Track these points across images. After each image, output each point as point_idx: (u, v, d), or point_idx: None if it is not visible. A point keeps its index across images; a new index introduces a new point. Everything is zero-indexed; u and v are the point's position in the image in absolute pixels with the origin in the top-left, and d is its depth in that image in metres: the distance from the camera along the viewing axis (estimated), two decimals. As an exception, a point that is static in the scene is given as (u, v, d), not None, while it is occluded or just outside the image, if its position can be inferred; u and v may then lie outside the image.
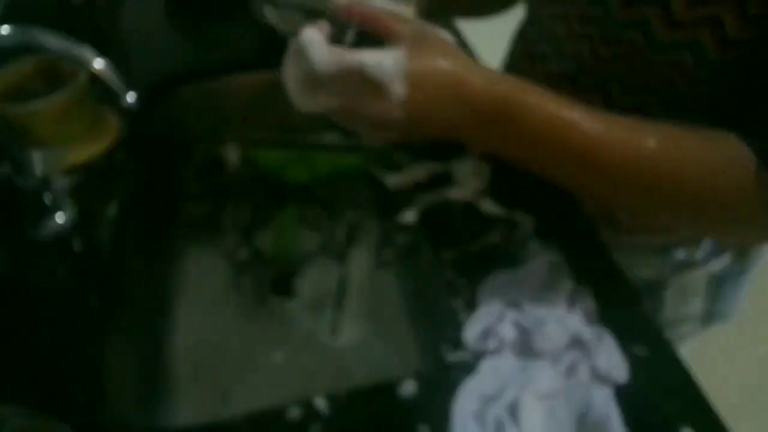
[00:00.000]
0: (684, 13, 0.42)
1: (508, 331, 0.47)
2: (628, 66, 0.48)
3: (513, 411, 0.43)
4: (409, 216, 0.58)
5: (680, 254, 0.60)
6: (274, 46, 0.72)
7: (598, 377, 0.44)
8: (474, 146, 0.48)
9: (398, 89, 0.40)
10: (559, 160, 0.43)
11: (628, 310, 0.50)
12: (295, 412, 0.45)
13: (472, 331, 0.48)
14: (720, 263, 0.62)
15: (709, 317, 0.68)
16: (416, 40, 0.41)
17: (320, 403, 0.45)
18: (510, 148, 0.44)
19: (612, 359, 0.45)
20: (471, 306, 0.51)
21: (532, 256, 0.54)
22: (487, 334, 0.48)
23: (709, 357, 1.41)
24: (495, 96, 0.40)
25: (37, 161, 0.59)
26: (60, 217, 0.61)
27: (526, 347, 0.47)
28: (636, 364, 0.45)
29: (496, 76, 0.41)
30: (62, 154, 0.63)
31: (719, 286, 0.64)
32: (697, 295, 0.65)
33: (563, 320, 0.47)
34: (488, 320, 0.48)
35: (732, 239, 0.53)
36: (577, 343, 0.46)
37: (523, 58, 0.62)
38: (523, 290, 0.51)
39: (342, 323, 0.67)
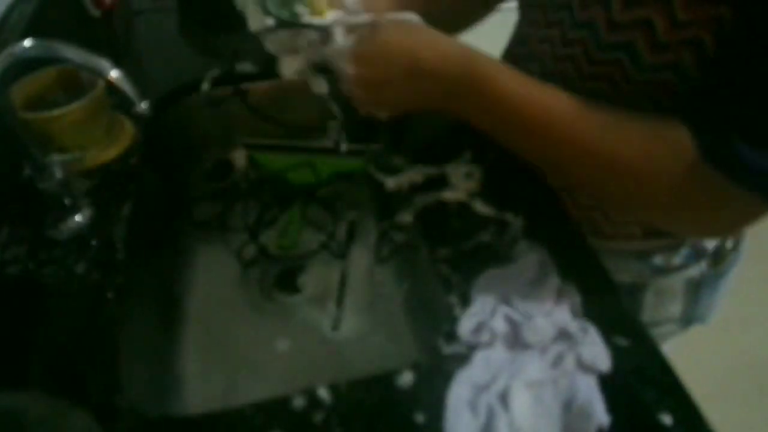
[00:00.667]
0: (668, 35, 0.42)
1: (499, 325, 0.49)
2: (613, 84, 0.48)
3: (503, 399, 0.44)
4: (406, 216, 0.59)
5: (658, 260, 0.62)
6: (276, 58, 0.74)
7: (583, 366, 0.45)
8: (443, 113, 0.49)
9: (348, 69, 0.44)
10: (512, 129, 0.46)
11: (610, 305, 0.51)
12: (299, 401, 0.46)
13: (466, 325, 0.49)
14: (697, 269, 0.63)
15: (687, 319, 0.69)
16: (374, 25, 0.44)
17: (323, 393, 0.47)
18: (471, 117, 0.46)
19: (596, 350, 0.46)
20: (465, 301, 0.52)
21: (521, 254, 0.55)
22: (480, 328, 0.49)
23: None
24: (448, 71, 0.43)
25: (57, 164, 0.61)
26: (78, 217, 0.63)
27: (516, 340, 0.48)
28: (618, 354, 0.47)
29: (450, 50, 0.44)
30: (80, 158, 0.65)
31: (697, 291, 0.65)
32: (675, 298, 0.66)
33: (551, 314, 0.49)
34: (481, 315, 0.50)
35: (673, 227, 0.52)
36: (563, 335, 0.48)
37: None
38: (513, 286, 0.52)
39: (343, 317, 0.68)
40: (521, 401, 0.44)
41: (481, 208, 0.58)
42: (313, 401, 0.46)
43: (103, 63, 0.52)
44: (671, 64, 0.44)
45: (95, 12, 0.95)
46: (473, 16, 0.68)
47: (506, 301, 0.51)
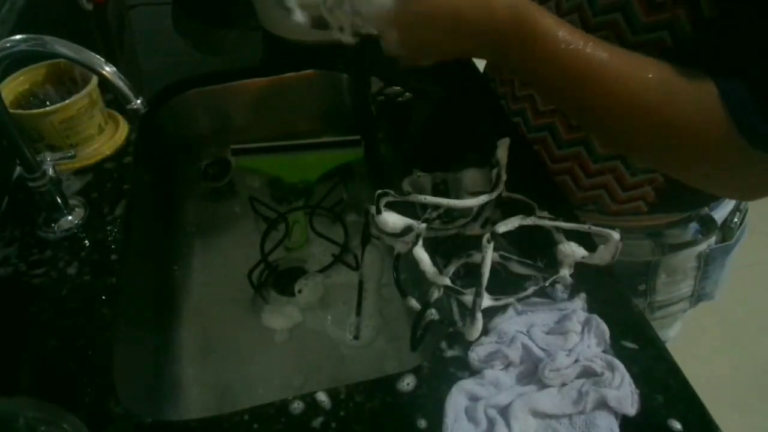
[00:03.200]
0: None
1: (515, 354, 0.46)
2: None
3: (504, 413, 0.43)
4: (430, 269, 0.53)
5: (670, 236, 0.63)
6: (275, 54, 0.73)
7: (606, 407, 0.43)
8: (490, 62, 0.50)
9: (390, 34, 0.44)
10: (560, 84, 0.44)
11: (618, 308, 0.51)
12: (298, 406, 0.46)
13: (479, 351, 0.47)
14: (705, 244, 0.64)
15: (697, 297, 0.71)
16: None
17: (322, 397, 0.46)
18: (518, 72, 0.46)
19: (623, 393, 0.43)
20: (464, 305, 0.51)
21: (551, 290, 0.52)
22: (493, 357, 0.47)
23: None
24: (495, 29, 0.42)
25: (49, 163, 0.60)
26: (70, 217, 0.62)
27: (533, 376, 0.46)
28: (626, 358, 0.46)
29: (497, 4, 0.42)
30: (73, 156, 0.64)
31: (706, 266, 0.66)
32: (686, 275, 0.67)
33: (575, 350, 0.46)
34: (497, 345, 0.47)
35: (703, 184, 0.51)
36: (588, 372, 0.45)
37: None
38: (537, 318, 0.49)
39: (344, 319, 0.67)
40: (524, 425, 0.43)
41: (518, 269, 0.53)
42: (312, 406, 0.46)
43: (96, 58, 0.51)
44: (666, 23, 0.44)
45: (87, 6, 0.94)
46: None
47: (528, 333, 0.48)
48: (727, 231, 0.64)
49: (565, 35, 0.42)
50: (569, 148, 0.61)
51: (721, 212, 0.64)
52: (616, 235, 0.49)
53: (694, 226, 0.62)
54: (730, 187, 0.50)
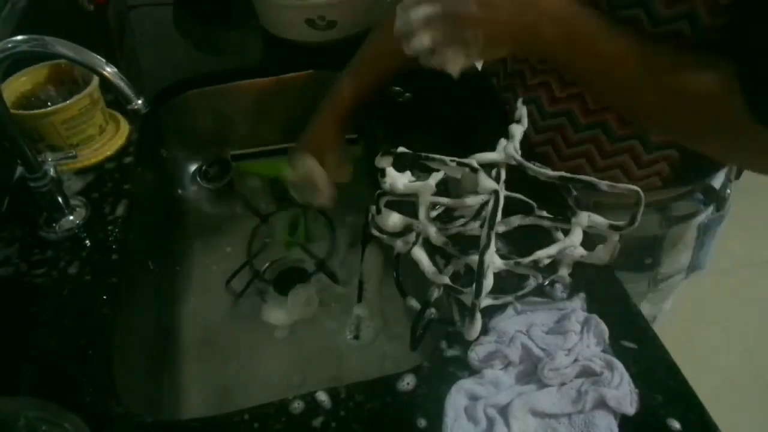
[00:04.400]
0: None
1: (515, 354, 0.47)
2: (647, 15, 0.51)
3: (504, 413, 0.43)
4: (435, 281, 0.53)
5: (677, 209, 0.66)
6: (275, 54, 0.73)
7: (605, 407, 0.43)
8: (542, 53, 0.53)
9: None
10: (609, 72, 0.49)
11: (618, 308, 0.51)
12: (298, 406, 0.46)
13: (478, 351, 0.47)
14: (704, 215, 0.68)
15: (691, 268, 0.74)
16: None
17: (322, 396, 0.46)
18: (576, 60, 0.51)
19: (621, 392, 0.43)
20: (464, 305, 0.50)
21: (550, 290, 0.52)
22: (493, 356, 0.47)
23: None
24: (568, 13, 0.48)
25: (50, 163, 0.60)
26: (71, 217, 0.62)
27: (533, 375, 0.46)
28: (625, 358, 0.46)
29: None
30: (74, 157, 0.64)
31: (704, 236, 0.70)
32: (687, 246, 0.70)
33: (574, 350, 0.46)
34: (496, 344, 0.48)
35: (715, 149, 0.55)
36: (587, 372, 0.45)
37: None
38: (537, 318, 0.49)
39: (344, 320, 0.67)
40: (523, 424, 0.43)
41: (525, 270, 0.52)
42: (312, 405, 0.46)
43: (96, 59, 0.51)
44: (685, 13, 0.48)
45: (88, 6, 0.94)
46: None
47: (528, 333, 0.48)
48: (720, 202, 0.68)
49: (612, 26, 0.48)
50: (586, 131, 0.62)
51: (716, 183, 0.67)
52: (615, 235, 0.49)
53: (698, 196, 0.66)
54: (741, 158, 0.54)
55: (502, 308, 0.50)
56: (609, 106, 0.59)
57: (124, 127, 0.75)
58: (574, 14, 0.48)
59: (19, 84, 0.70)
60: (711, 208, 0.68)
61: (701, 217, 0.68)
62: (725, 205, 0.69)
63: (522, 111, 0.54)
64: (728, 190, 0.69)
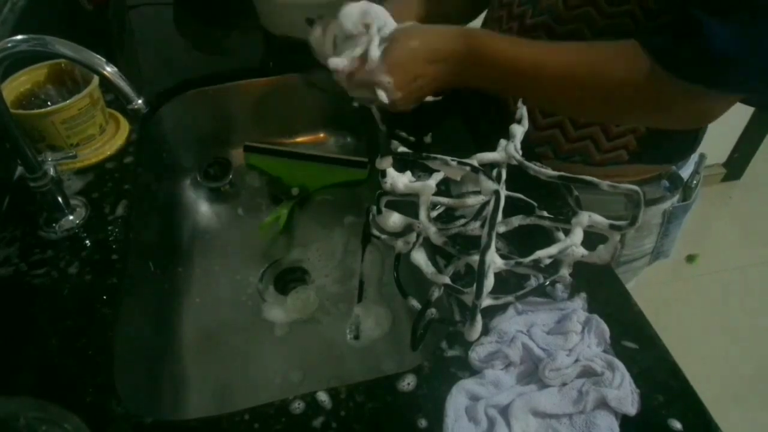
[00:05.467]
0: None
1: (516, 354, 0.47)
2: (597, 10, 0.58)
3: (504, 413, 0.43)
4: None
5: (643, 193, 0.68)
6: (275, 54, 0.73)
7: (606, 407, 0.43)
8: (457, 85, 0.60)
9: (386, 78, 0.55)
10: (513, 80, 0.56)
11: (620, 308, 0.51)
12: (298, 406, 0.46)
13: (479, 351, 0.47)
14: (670, 202, 0.72)
15: (656, 254, 0.78)
16: (392, 37, 0.56)
17: (322, 397, 0.46)
18: (478, 82, 0.58)
19: (623, 392, 0.43)
20: (464, 304, 0.51)
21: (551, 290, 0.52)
22: (493, 357, 0.47)
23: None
24: (456, 50, 0.56)
25: (50, 163, 0.60)
26: (71, 217, 0.62)
27: (534, 376, 0.46)
28: (627, 358, 0.46)
29: (452, 33, 0.56)
30: (74, 156, 0.64)
31: (668, 224, 0.74)
32: (650, 232, 0.74)
33: (575, 350, 0.46)
34: (497, 344, 0.48)
35: (632, 119, 0.61)
36: (588, 372, 0.45)
37: (501, 16, 0.70)
38: (538, 318, 0.49)
39: (345, 321, 0.67)
40: (524, 425, 0.43)
41: (526, 270, 0.52)
42: (313, 405, 0.46)
43: (97, 58, 0.51)
44: (626, 11, 0.56)
45: (88, 6, 0.94)
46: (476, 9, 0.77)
47: (529, 333, 0.48)
48: (687, 191, 0.72)
49: (502, 42, 0.56)
50: None
51: (684, 173, 0.72)
52: (616, 235, 0.49)
53: (664, 183, 0.71)
54: (670, 121, 0.58)
55: (502, 308, 0.50)
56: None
57: (124, 127, 0.75)
58: (471, 50, 0.55)
59: (19, 83, 0.70)
60: (677, 196, 0.72)
61: (666, 204, 0.71)
62: (692, 194, 0.72)
63: (522, 111, 0.54)
64: (695, 181, 0.72)
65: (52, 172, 0.60)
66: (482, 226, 0.52)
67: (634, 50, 0.51)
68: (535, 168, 0.50)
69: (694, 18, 0.48)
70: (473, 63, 0.56)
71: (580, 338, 0.47)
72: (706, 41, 0.47)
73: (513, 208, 0.53)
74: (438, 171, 0.52)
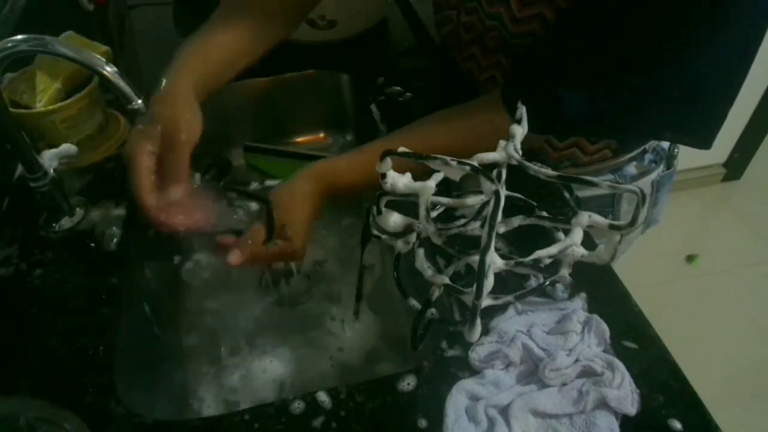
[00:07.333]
0: (522, 12, 0.59)
1: (516, 354, 0.47)
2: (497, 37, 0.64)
3: (504, 413, 0.43)
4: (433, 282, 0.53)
5: (629, 170, 0.74)
6: (275, 54, 0.73)
7: (606, 407, 0.43)
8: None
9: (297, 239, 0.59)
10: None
11: (619, 308, 0.51)
12: (298, 406, 0.46)
13: (479, 351, 0.47)
14: (656, 172, 0.75)
15: (647, 223, 0.82)
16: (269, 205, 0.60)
17: (322, 397, 0.46)
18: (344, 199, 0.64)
19: (623, 392, 0.43)
20: (464, 305, 0.51)
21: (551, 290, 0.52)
22: (493, 356, 0.47)
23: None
24: (318, 189, 0.62)
25: (50, 162, 0.60)
26: (71, 217, 0.62)
27: (534, 376, 0.46)
28: (626, 358, 0.46)
29: (312, 175, 0.62)
30: (74, 156, 0.64)
31: (657, 192, 0.77)
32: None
33: (575, 350, 0.46)
34: (497, 344, 0.48)
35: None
36: (588, 372, 0.45)
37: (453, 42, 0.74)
38: (538, 318, 0.49)
39: (345, 321, 0.67)
40: (524, 425, 0.43)
41: (526, 270, 0.52)
42: (313, 405, 0.46)
43: (96, 58, 0.52)
44: (529, 32, 0.60)
45: (88, 6, 0.94)
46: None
47: (529, 333, 0.48)
48: (670, 159, 0.77)
49: (348, 168, 0.63)
50: None
51: (665, 143, 0.76)
52: (616, 235, 0.49)
53: (648, 157, 0.75)
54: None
55: (502, 308, 0.50)
56: None
57: (124, 127, 0.74)
58: (337, 176, 0.62)
59: (19, 83, 0.69)
60: (662, 166, 0.76)
61: (654, 175, 0.75)
62: (674, 162, 0.78)
63: (522, 111, 0.54)
64: (676, 149, 0.78)
65: (51, 172, 0.60)
66: (482, 226, 0.52)
67: (500, 118, 0.57)
68: (535, 168, 0.50)
69: (549, 89, 0.54)
70: (334, 192, 0.63)
71: (580, 338, 0.47)
72: (560, 109, 0.54)
73: (513, 208, 0.53)
74: (438, 171, 0.52)
